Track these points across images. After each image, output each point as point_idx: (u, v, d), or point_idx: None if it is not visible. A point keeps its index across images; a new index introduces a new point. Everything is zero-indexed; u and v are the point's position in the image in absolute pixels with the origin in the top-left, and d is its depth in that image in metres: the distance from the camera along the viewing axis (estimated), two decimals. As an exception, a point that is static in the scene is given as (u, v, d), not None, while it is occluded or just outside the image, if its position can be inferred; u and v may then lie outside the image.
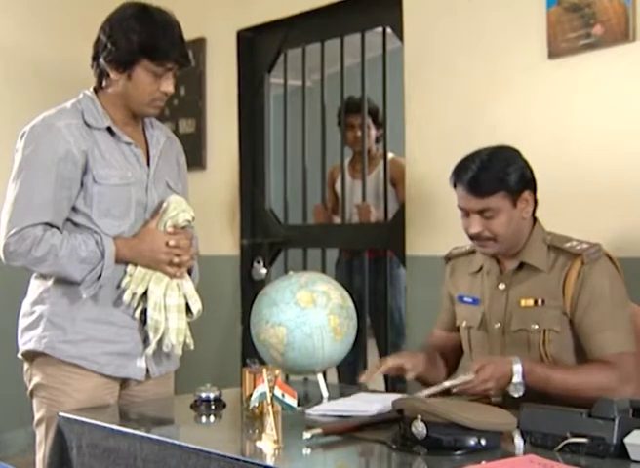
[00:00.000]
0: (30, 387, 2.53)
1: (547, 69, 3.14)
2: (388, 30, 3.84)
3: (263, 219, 4.38)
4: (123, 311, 2.49)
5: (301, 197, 4.27)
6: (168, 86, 2.46)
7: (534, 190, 2.40)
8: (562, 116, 3.12)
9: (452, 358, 2.59)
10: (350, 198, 4.39)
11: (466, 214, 2.38)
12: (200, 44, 4.44)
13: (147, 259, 2.46)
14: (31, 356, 2.51)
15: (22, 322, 2.55)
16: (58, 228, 2.43)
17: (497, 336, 2.41)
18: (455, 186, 2.39)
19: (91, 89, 2.53)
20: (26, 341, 2.51)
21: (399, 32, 3.68)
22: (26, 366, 2.55)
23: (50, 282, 2.49)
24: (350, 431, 2.04)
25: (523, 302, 2.37)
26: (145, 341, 2.50)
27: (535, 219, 2.43)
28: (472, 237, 2.39)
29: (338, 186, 4.47)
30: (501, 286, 2.42)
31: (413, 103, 3.59)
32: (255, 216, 4.40)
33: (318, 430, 2.00)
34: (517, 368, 2.23)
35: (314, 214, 4.47)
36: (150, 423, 2.44)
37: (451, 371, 2.56)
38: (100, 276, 2.41)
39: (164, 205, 2.51)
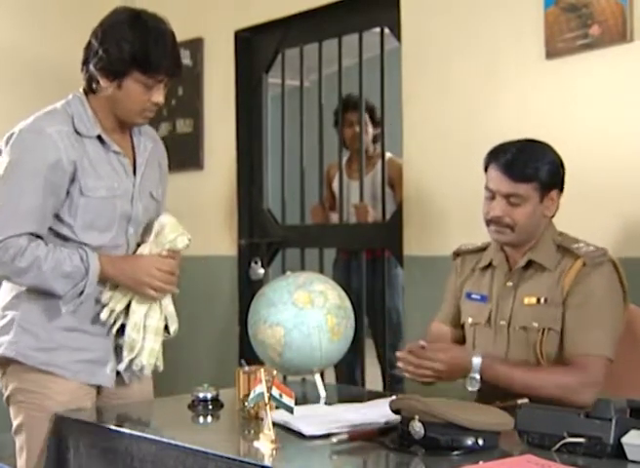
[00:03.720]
0: (7, 394, 2.48)
1: (545, 69, 3.14)
2: (386, 30, 3.84)
3: (261, 219, 4.38)
4: (96, 320, 2.45)
5: (299, 197, 4.27)
6: (158, 97, 2.42)
7: (561, 191, 2.40)
8: (559, 116, 3.12)
9: None
10: (347, 198, 4.39)
11: (492, 196, 2.37)
12: (198, 44, 4.44)
13: (130, 280, 2.41)
14: (4, 362, 2.46)
15: None
16: (41, 238, 2.38)
17: (502, 334, 2.40)
18: (487, 168, 2.38)
19: (81, 90, 2.47)
20: None
21: (397, 32, 3.68)
22: (0, 372, 2.49)
23: (23, 286, 2.44)
24: (374, 436, 2.01)
25: (526, 300, 2.37)
26: (116, 349, 2.48)
27: (549, 220, 2.43)
28: (490, 221, 2.38)
29: (335, 185, 4.47)
30: (509, 283, 2.42)
31: (410, 104, 3.59)
32: (252, 217, 4.40)
33: (344, 436, 1.99)
34: (476, 361, 2.24)
35: (312, 216, 4.48)
36: (147, 423, 2.44)
37: None
38: (82, 292, 2.38)
39: (157, 226, 2.47)
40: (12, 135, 2.41)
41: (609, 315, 2.31)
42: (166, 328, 2.52)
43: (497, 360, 2.29)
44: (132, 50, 2.34)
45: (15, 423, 2.47)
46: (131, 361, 2.46)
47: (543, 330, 2.33)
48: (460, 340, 2.56)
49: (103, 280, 2.41)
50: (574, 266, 2.32)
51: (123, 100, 2.40)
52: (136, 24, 2.37)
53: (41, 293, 2.41)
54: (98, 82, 2.41)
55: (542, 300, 2.34)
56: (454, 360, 2.27)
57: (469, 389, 2.25)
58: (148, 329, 2.45)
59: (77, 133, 2.41)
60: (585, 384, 2.22)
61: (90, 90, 2.45)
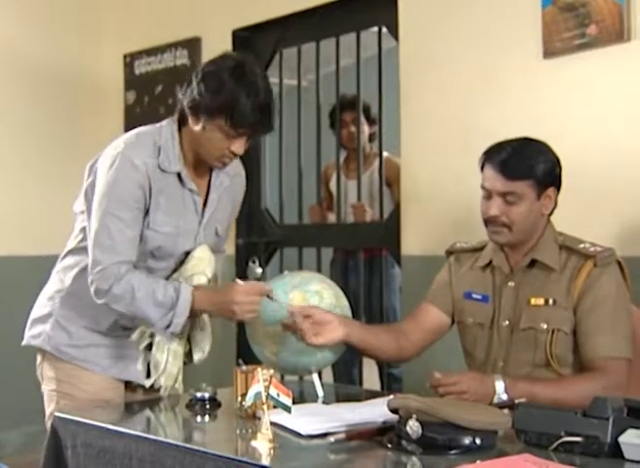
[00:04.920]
0: (42, 381, 2.58)
1: (542, 69, 3.15)
2: (384, 30, 3.85)
3: (259, 219, 4.39)
4: (127, 331, 2.52)
5: (297, 197, 4.28)
6: (238, 148, 2.43)
7: (558, 189, 2.40)
8: (557, 115, 3.12)
9: (417, 334, 2.53)
10: (345, 197, 4.39)
11: (489, 195, 2.36)
12: (195, 43, 4.44)
13: (220, 311, 2.43)
14: (42, 350, 2.56)
15: (35, 312, 2.59)
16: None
17: (505, 334, 2.39)
18: (483, 167, 2.38)
19: (175, 119, 2.48)
20: (35, 335, 2.55)
21: (394, 32, 3.68)
22: (39, 359, 2.59)
23: (68, 282, 2.52)
24: (372, 435, 2.01)
25: (533, 301, 2.35)
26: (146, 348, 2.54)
27: (548, 219, 2.42)
28: (488, 221, 2.37)
29: (332, 185, 4.47)
30: (511, 283, 2.40)
31: (408, 103, 3.60)
32: (250, 216, 4.40)
33: (341, 435, 2.00)
34: (499, 385, 2.21)
35: (310, 216, 4.47)
36: (145, 423, 2.44)
37: (404, 353, 2.53)
38: (169, 325, 2.39)
39: (188, 256, 2.49)
40: (101, 158, 2.43)
41: (622, 315, 2.32)
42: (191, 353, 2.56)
43: (516, 379, 2.26)
44: (222, 99, 2.34)
45: (47, 411, 2.57)
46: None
47: (553, 331, 2.32)
48: (443, 326, 2.54)
49: (196, 313, 2.44)
50: (584, 267, 2.32)
51: (204, 142, 2.42)
52: (234, 74, 2.37)
53: (81, 294, 2.47)
54: (187, 118, 2.43)
55: (551, 302, 2.33)
56: (470, 377, 2.24)
57: None
58: (170, 351, 2.49)
59: (160, 168, 2.43)
60: (610, 388, 2.19)
61: (181, 121, 2.48)
